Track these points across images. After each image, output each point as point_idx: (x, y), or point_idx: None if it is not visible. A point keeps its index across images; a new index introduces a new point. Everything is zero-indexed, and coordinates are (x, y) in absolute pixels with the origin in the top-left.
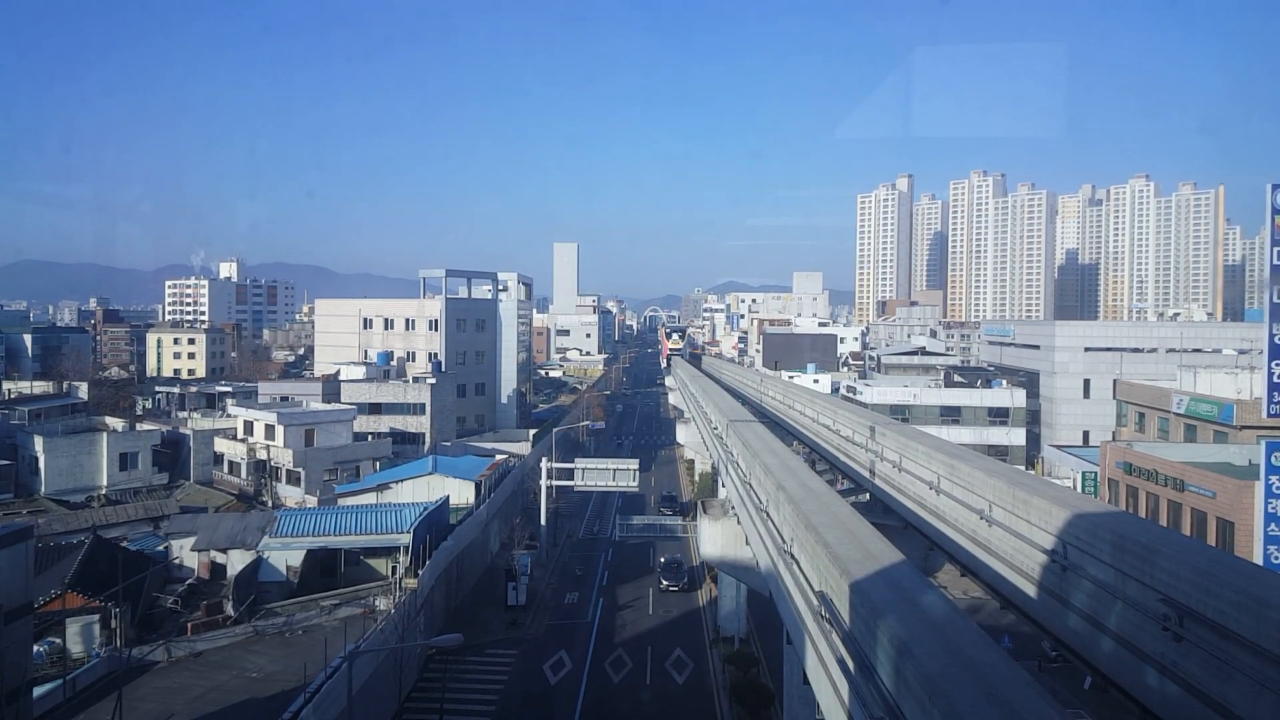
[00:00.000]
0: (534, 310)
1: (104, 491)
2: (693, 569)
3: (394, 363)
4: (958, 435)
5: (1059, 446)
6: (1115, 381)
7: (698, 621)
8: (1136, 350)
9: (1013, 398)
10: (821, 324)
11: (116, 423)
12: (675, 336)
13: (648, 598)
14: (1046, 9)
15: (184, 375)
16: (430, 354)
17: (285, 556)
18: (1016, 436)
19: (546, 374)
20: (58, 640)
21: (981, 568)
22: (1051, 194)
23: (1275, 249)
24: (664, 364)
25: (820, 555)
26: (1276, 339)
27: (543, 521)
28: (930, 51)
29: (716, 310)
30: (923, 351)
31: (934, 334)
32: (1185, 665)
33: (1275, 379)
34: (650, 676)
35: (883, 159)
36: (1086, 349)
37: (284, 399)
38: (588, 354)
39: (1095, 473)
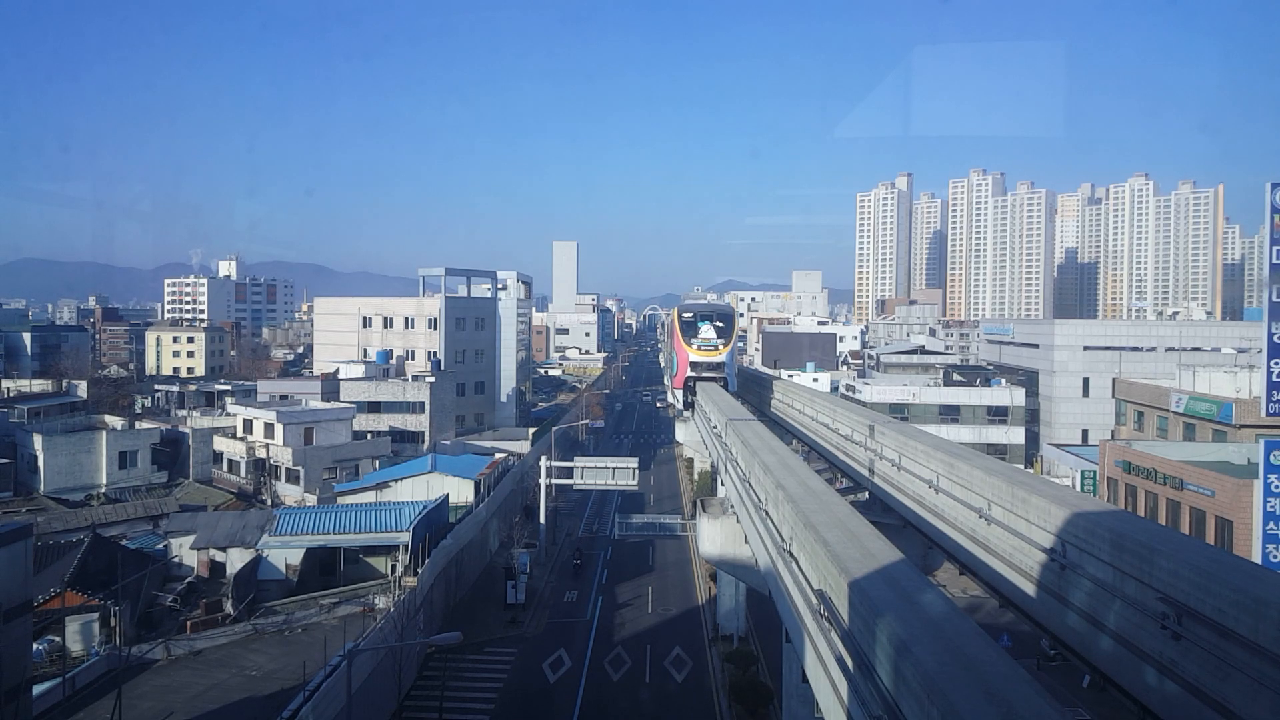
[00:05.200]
0: (533, 309)
1: (103, 490)
2: None
3: (393, 361)
4: (957, 434)
5: (1058, 445)
6: (1114, 380)
7: (697, 620)
8: (1135, 349)
9: (1012, 396)
10: (821, 323)
11: (116, 421)
12: (705, 327)
13: (647, 596)
14: (1046, 9)
15: (183, 374)
16: (429, 352)
17: (284, 555)
18: (1015, 435)
19: (546, 372)
20: (57, 638)
21: (980, 566)
22: (1051, 193)
23: (1274, 248)
24: (677, 397)
25: (819, 554)
26: (1275, 338)
27: (542, 520)
28: (930, 51)
29: None
30: (922, 350)
31: (933, 333)
32: (1184, 664)
33: (1274, 378)
34: (649, 675)
35: (882, 158)
36: (1085, 348)
37: (283, 397)
38: (587, 353)
39: (1094, 471)
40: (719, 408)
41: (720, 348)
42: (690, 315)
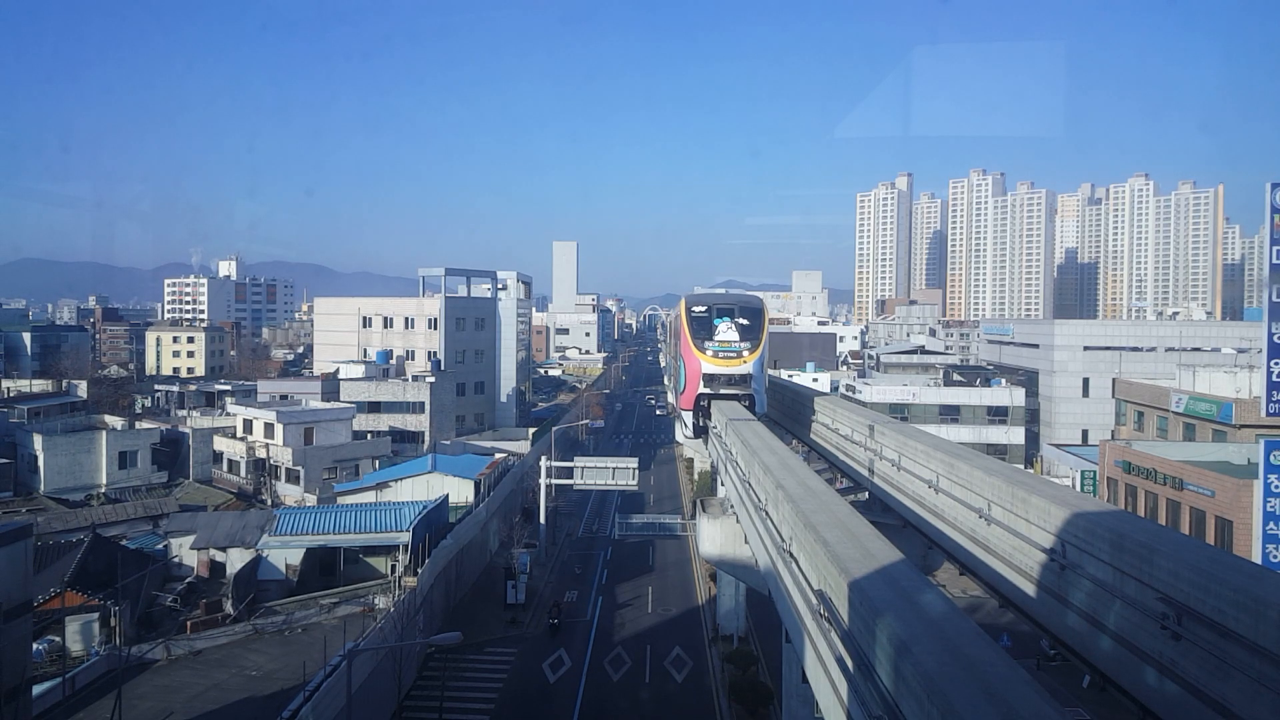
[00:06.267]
0: (533, 309)
1: (103, 490)
2: None
3: (393, 361)
4: (957, 434)
5: (1058, 445)
6: (1114, 380)
7: (697, 620)
8: (1135, 349)
9: (1011, 396)
10: (821, 323)
11: (116, 421)
12: (724, 325)
13: (647, 596)
14: (1046, 9)
15: (183, 374)
16: (429, 352)
17: (284, 555)
18: (1015, 435)
19: (546, 372)
20: (57, 638)
21: (980, 566)
22: (1051, 193)
23: (1274, 248)
24: (684, 422)
25: (819, 554)
26: (1275, 338)
27: (542, 520)
28: (930, 51)
29: None
30: (922, 350)
31: (933, 333)
32: (1184, 664)
33: (1274, 378)
34: (649, 675)
35: (882, 158)
36: (1085, 348)
37: (283, 397)
38: (587, 353)
39: (1094, 471)
40: (719, 409)
41: (745, 354)
42: (702, 309)
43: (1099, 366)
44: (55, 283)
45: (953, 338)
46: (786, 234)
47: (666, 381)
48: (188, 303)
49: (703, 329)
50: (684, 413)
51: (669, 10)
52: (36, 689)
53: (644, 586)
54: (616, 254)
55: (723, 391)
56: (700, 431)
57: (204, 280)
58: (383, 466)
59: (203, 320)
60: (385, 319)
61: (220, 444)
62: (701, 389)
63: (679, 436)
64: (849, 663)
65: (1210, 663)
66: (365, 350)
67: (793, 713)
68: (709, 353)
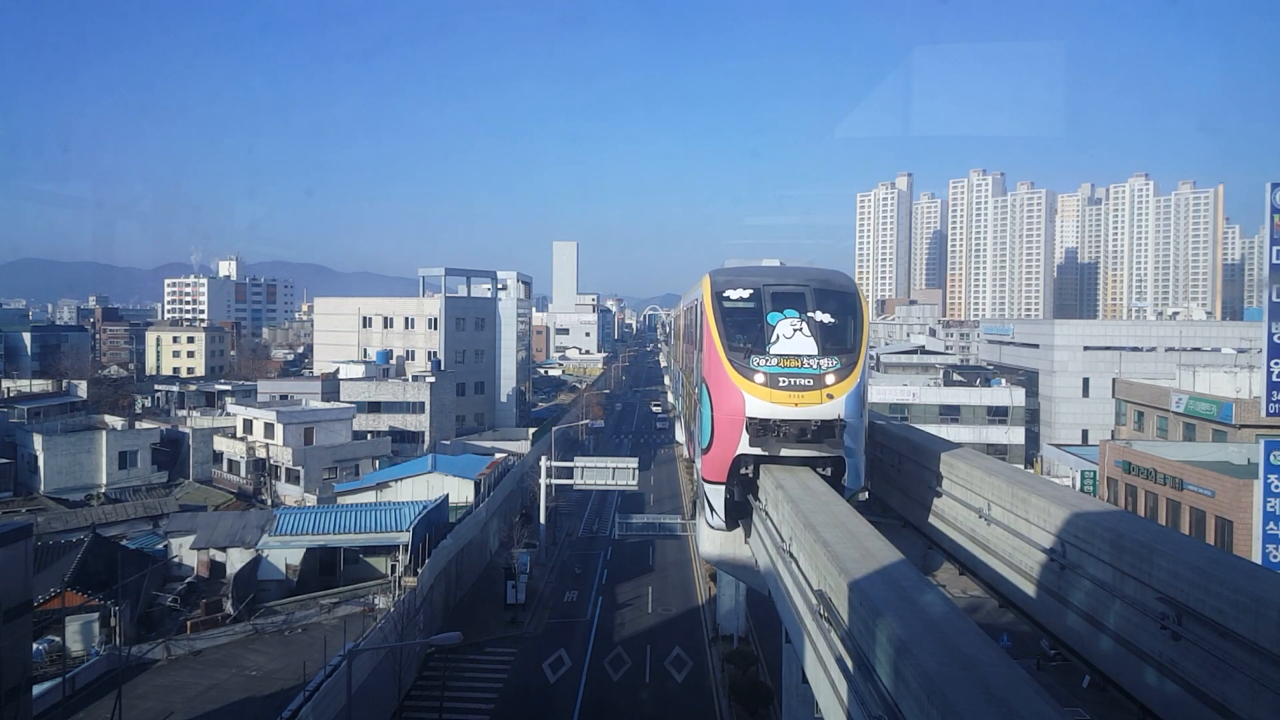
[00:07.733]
0: (533, 309)
1: (103, 490)
2: None
3: (393, 361)
4: (957, 434)
5: (1058, 445)
6: (1114, 380)
7: (697, 620)
8: (1136, 349)
9: (1012, 396)
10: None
11: (116, 421)
12: (788, 324)
13: (647, 596)
14: (1046, 9)
15: (183, 374)
16: (429, 352)
17: (284, 555)
18: (1015, 435)
19: (546, 372)
20: (57, 638)
21: (980, 566)
22: (1051, 193)
23: (1274, 248)
24: (707, 500)
25: (819, 554)
26: (1275, 338)
27: (542, 520)
28: (930, 51)
29: None
30: (922, 350)
31: (933, 333)
32: (1184, 664)
33: (1274, 378)
34: (649, 675)
35: (882, 158)
36: (1085, 348)
37: (283, 397)
38: (587, 353)
39: (1094, 471)
40: (771, 475)
41: (831, 381)
42: (745, 295)
43: (1099, 366)
44: (55, 283)
45: (953, 338)
46: (786, 234)
47: (667, 382)
48: (188, 303)
49: (746, 330)
50: (708, 487)
51: (669, 10)
52: (36, 689)
53: (644, 586)
54: (616, 254)
55: (784, 453)
56: (735, 513)
57: (204, 280)
58: (383, 466)
59: (203, 320)
60: (385, 319)
61: (220, 444)
62: (745, 447)
63: (679, 436)
64: (849, 663)
65: (1210, 663)
66: (365, 350)
67: (793, 713)
68: (760, 377)
